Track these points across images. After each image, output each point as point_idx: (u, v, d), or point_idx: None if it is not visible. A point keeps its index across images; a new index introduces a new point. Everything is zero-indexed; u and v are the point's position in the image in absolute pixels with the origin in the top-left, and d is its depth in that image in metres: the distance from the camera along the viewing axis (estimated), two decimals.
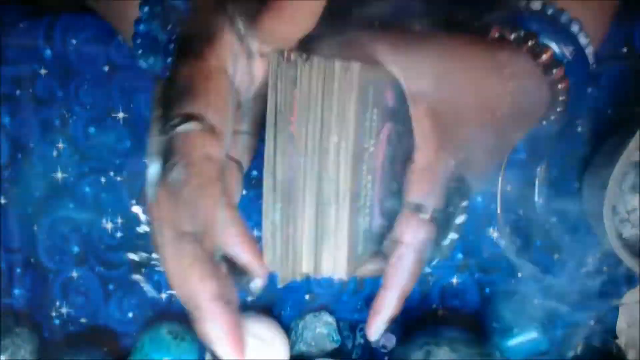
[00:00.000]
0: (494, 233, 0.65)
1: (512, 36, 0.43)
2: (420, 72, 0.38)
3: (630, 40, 0.61)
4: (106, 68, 0.61)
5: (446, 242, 0.39)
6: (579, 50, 0.43)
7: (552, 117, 0.46)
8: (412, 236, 0.38)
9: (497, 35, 0.44)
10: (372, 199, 0.40)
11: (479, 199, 0.64)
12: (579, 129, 0.62)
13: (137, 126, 0.62)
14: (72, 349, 0.64)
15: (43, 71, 0.61)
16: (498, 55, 0.42)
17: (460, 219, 0.39)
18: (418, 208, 0.39)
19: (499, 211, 0.62)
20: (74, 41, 0.60)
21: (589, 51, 0.44)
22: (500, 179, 0.61)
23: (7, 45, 0.60)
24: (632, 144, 0.55)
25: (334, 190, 0.36)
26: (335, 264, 0.38)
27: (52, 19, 0.60)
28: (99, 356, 0.64)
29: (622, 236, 0.58)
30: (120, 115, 0.62)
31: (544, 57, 0.42)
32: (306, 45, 0.37)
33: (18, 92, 0.62)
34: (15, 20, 0.60)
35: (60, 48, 0.60)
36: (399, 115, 0.41)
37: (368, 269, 0.43)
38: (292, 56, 0.35)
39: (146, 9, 0.45)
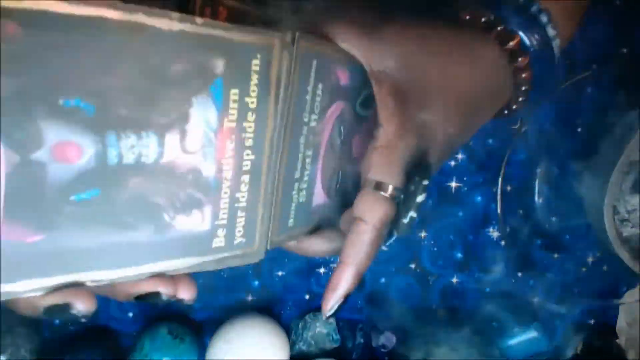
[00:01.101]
0: (494, 233, 0.65)
1: (482, 19, 0.43)
2: (384, 52, 0.38)
3: (630, 40, 0.61)
4: None
5: (406, 220, 0.39)
6: (546, 41, 0.44)
7: (514, 107, 0.46)
8: (372, 214, 0.38)
9: (467, 17, 0.44)
10: (312, 174, 0.40)
11: (479, 198, 0.64)
12: (579, 130, 0.62)
13: None
14: (72, 348, 0.64)
15: None
16: (464, 38, 0.42)
17: (420, 198, 0.38)
18: (378, 186, 0.39)
19: (499, 211, 0.62)
20: None
21: (556, 44, 0.44)
22: (500, 179, 0.61)
23: None
24: (632, 143, 0.55)
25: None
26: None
27: None
28: (99, 356, 0.64)
29: (622, 236, 0.58)
30: None
31: (511, 43, 0.42)
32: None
33: None
34: None
35: None
36: (354, 95, 0.41)
37: (324, 247, 0.43)
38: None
39: None
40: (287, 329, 0.67)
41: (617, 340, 0.67)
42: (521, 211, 0.64)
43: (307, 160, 0.39)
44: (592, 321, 0.67)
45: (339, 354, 0.67)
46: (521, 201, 0.64)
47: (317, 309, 0.67)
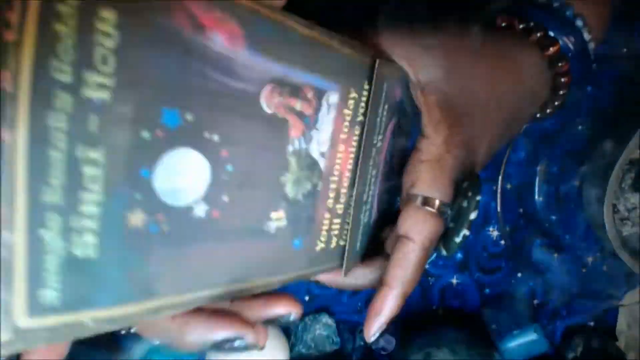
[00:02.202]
0: (493, 232, 0.65)
1: (520, 26, 0.43)
2: (431, 61, 0.37)
3: (630, 40, 0.61)
4: None
5: (458, 238, 0.37)
6: (583, 45, 0.43)
7: (548, 111, 0.46)
8: (419, 232, 0.36)
9: (503, 24, 0.43)
10: (374, 194, 0.39)
11: (479, 197, 0.64)
12: (579, 128, 0.62)
13: None
14: (72, 349, 0.64)
15: None
16: (507, 46, 0.41)
17: (473, 215, 0.37)
18: (425, 201, 0.37)
19: (499, 210, 0.62)
20: None
21: (591, 47, 0.44)
22: (500, 177, 0.61)
23: None
24: (632, 143, 0.55)
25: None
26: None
27: None
28: (99, 356, 0.64)
29: (622, 235, 0.58)
30: None
31: (551, 49, 0.42)
32: None
33: None
34: None
35: None
36: (404, 109, 0.40)
37: (371, 278, 0.40)
38: None
39: None
40: (287, 331, 0.67)
41: (617, 342, 0.67)
42: (521, 210, 0.64)
43: (372, 180, 0.38)
44: (591, 323, 0.67)
45: (339, 357, 0.67)
46: (521, 200, 0.64)
47: (317, 310, 0.67)
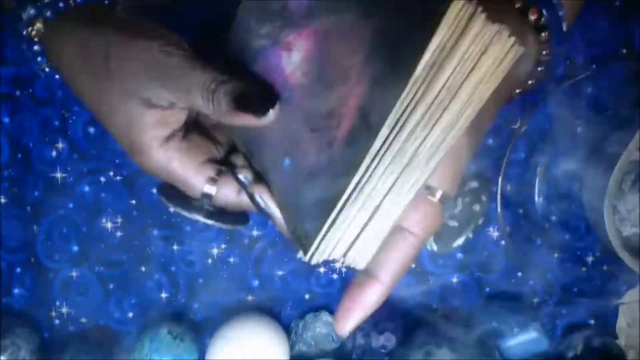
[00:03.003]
0: (494, 233, 0.65)
1: None
2: None
3: (630, 40, 0.61)
4: None
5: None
6: (559, 20, 0.43)
7: (530, 82, 0.45)
8: (421, 225, 0.34)
9: None
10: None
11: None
12: (579, 129, 0.62)
13: None
14: (72, 349, 0.64)
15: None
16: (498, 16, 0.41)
17: (477, 207, 0.37)
18: (429, 191, 0.34)
19: (499, 210, 0.62)
20: None
21: (565, 25, 0.43)
22: (500, 178, 0.61)
23: (7, 45, 0.60)
24: (632, 144, 0.55)
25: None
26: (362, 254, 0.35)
27: None
28: (99, 356, 0.64)
29: (622, 235, 0.58)
30: None
31: (532, 17, 0.41)
32: None
33: (18, 92, 0.62)
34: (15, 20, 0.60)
35: None
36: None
37: None
38: None
39: None
40: (287, 329, 0.67)
41: (617, 341, 0.67)
42: (521, 211, 0.64)
43: None
44: (592, 321, 0.67)
45: (339, 355, 0.67)
46: (521, 201, 0.64)
47: (317, 309, 0.67)
